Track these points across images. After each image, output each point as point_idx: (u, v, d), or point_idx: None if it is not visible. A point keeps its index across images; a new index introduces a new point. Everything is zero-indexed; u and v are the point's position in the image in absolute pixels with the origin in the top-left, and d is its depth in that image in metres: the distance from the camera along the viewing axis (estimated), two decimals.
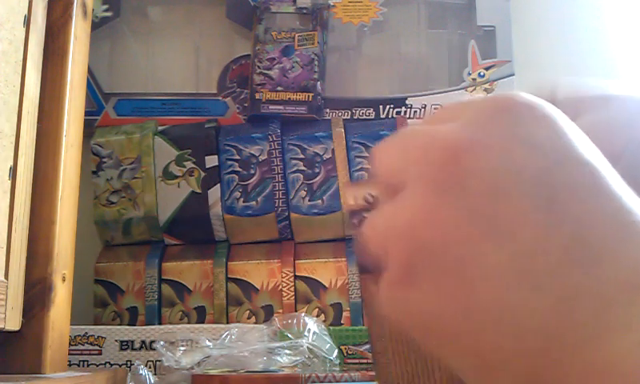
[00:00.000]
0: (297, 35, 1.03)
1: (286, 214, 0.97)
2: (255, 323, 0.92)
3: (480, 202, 0.20)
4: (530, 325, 0.18)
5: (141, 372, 0.75)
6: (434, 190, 0.20)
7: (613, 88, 0.28)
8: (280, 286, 0.94)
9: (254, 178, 0.98)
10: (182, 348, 0.77)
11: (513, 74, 1.05)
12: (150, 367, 0.83)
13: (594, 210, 0.19)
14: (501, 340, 0.19)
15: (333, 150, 0.98)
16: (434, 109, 1.04)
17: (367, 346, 0.82)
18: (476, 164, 0.20)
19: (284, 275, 0.95)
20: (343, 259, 0.95)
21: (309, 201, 0.97)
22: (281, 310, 0.93)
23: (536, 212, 0.19)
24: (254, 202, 0.97)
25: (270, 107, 1.00)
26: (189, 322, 0.93)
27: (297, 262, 0.95)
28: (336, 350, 0.79)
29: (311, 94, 1.00)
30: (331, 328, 0.84)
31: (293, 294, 0.94)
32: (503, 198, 0.19)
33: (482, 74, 1.05)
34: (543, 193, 0.19)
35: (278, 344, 0.76)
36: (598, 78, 1.10)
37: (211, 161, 0.98)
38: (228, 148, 0.99)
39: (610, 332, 0.17)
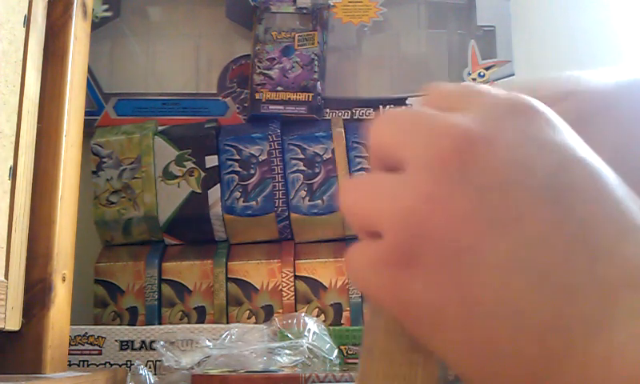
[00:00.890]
0: (297, 35, 1.03)
1: (286, 213, 0.97)
2: (255, 323, 0.92)
3: (488, 193, 0.20)
4: (529, 317, 0.18)
5: (141, 372, 0.75)
6: (441, 175, 0.20)
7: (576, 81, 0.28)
8: (280, 286, 0.94)
9: (254, 177, 0.98)
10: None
11: (513, 74, 1.05)
12: (150, 367, 0.83)
13: (596, 212, 0.19)
14: (500, 331, 0.19)
15: (333, 150, 0.98)
16: None
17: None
18: (486, 156, 0.20)
19: (284, 275, 0.95)
20: (343, 259, 0.95)
21: (309, 201, 0.97)
22: (281, 310, 0.93)
23: (543, 208, 0.19)
24: (253, 202, 0.97)
25: (270, 107, 1.00)
26: (189, 322, 0.93)
27: (297, 261, 0.95)
28: (336, 350, 0.79)
29: (311, 94, 1.00)
30: (331, 328, 0.84)
31: (293, 293, 0.94)
32: (512, 191, 0.20)
33: (481, 74, 1.05)
34: (550, 191, 0.20)
35: (277, 344, 0.76)
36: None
37: (211, 161, 0.98)
38: (228, 148, 0.99)
39: (607, 326, 0.17)
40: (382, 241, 0.21)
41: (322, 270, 0.95)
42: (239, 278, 0.95)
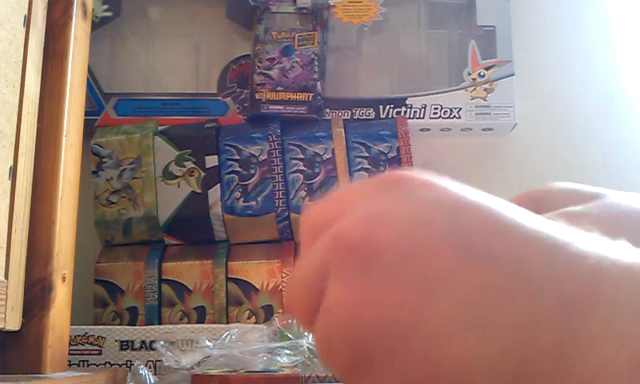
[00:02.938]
0: (297, 35, 1.03)
1: (286, 213, 0.97)
2: (255, 323, 0.92)
3: (402, 267, 0.19)
4: (493, 371, 0.18)
5: (141, 372, 0.75)
6: (351, 279, 0.20)
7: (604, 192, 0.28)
8: (280, 286, 0.94)
9: (254, 177, 0.98)
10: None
11: (513, 74, 1.05)
12: (150, 367, 0.83)
13: (514, 244, 0.19)
14: None
15: (333, 149, 0.98)
16: (434, 109, 1.04)
17: None
18: (383, 236, 0.20)
19: (284, 275, 0.95)
20: None
21: (309, 201, 0.97)
22: (281, 310, 0.93)
23: (459, 259, 0.19)
24: (253, 202, 0.97)
25: (270, 107, 1.00)
26: (189, 322, 0.93)
27: (297, 261, 0.95)
28: None
29: (311, 94, 1.00)
30: None
31: None
32: (423, 255, 0.19)
33: (481, 73, 1.05)
34: (458, 239, 0.19)
35: (277, 344, 0.76)
36: (602, 83, 1.10)
37: (211, 161, 0.98)
38: (228, 148, 0.99)
39: (580, 353, 0.17)
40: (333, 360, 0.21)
41: None
42: (239, 278, 0.95)
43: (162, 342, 0.79)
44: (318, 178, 0.98)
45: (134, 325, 0.93)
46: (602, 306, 0.17)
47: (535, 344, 0.17)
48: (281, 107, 1.00)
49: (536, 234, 0.19)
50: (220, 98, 1.06)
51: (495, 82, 1.05)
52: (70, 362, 0.81)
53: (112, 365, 0.85)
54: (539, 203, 0.28)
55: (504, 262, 0.18)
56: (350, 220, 0.21)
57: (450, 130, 1.06)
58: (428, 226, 0.19)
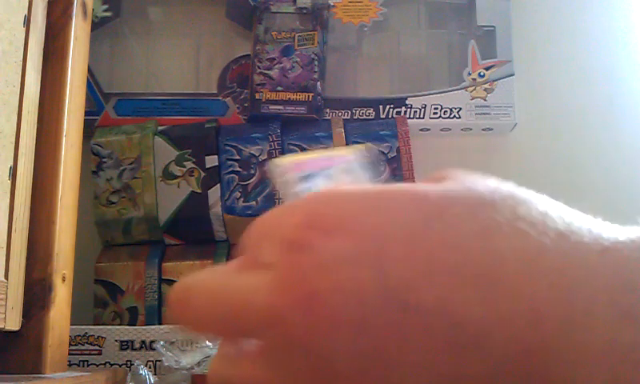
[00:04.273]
0: (297, 35, 1.03)
1: None
2: None
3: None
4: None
5: (141, 372, 0.75)
6: (267, 356, 0.21)
7: None
8: None
9: (254, 178, 0.98)
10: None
11: (513, 74, 1.05)
12: (150, 367, 0.83)
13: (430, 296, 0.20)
14: None
15: None
16: (434, 109, 1.04)
17: None
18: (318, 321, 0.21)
19: None
20: None
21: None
22: None
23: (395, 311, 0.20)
24: (253, 202, 0.97)
25: (270, 107, 1.00)
26: None
27: None
28: None
29: (311, 94, 1.00)
30: None
31: None
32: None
33: (481, 73, 1.05)
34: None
35: None
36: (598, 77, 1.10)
37: (211, 161, 0.98)
38: (228, 148, 0.99)
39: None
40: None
41: None
42: None
43: (161, 342, 0.79)
44: None
45: (134, 325, 0.93)
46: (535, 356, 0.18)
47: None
48: (281, 107, 1.00)
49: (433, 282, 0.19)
50: (220, 98, 1.06)
51: (495, 82, 1.05)
52: (69, 362, 0.81)
53: (112, 365, 0.85)
54: None
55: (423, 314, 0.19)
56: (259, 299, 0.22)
57: (449, 129, 1.06)
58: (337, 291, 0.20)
